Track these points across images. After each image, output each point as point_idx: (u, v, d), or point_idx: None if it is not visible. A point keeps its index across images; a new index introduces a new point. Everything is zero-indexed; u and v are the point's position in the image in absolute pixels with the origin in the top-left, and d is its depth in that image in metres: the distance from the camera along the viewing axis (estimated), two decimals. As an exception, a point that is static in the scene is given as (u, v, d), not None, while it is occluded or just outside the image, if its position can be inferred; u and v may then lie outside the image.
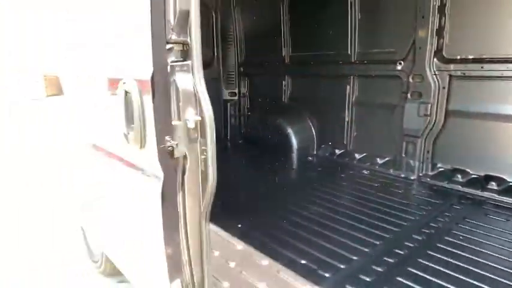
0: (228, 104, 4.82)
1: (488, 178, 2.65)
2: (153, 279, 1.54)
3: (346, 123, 3.58)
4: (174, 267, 1.41)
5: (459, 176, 2.80)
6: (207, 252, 1.45)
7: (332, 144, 3.76)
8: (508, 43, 2.46)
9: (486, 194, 2.63)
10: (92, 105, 1.90)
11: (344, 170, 3.44)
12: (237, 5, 4.34)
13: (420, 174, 3.03)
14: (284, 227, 2.25)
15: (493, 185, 2.62)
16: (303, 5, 3.79)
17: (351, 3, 3.28)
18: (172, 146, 1.28)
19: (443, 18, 2.72)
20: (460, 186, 2.78)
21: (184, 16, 1.25)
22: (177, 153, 1.30)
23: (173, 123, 1.29)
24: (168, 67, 1.27)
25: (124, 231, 1.83)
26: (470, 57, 2.64)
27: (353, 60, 3.40)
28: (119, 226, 1.89)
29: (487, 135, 2.67)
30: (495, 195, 2.59)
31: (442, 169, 2.92)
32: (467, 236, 2.09)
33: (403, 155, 3.12)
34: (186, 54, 1.31)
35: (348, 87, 3.49)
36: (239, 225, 2.22)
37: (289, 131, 4.01)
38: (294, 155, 3.94)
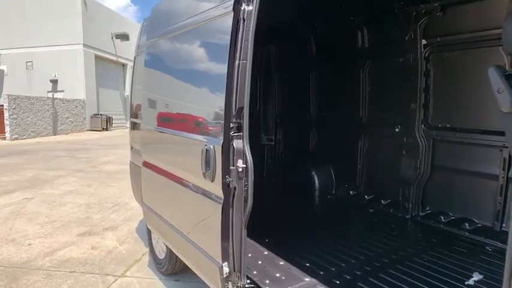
0: (266, 148, 5.85)
1: (463, 220, 3.39)
2: (211, 261, 2.48)
3: (358, 170, 4.46)
4: (225, 254, 2.35)
5: (442, 217, 3.55)
6: (244, 248, 2.38)
7: (347, 186, 4.63)
8: (471, 118, 3.30)
9: (459, 231, 3.36)
10: (179, 151, 2.98)
11: (355, 207, 4.30)
12: (276, 73, 5.50)
13: (413, 214, 3.80)
14: (296, 243, 3.16)
15: (466, 225, 3.35)
16: (326, 76, 4.85)
17: (362, 78, 4.28)
18: (229, 181, 2.26)
19: (428, 96, 3.63)
20: (441, 225, 3.52)
21: (240, 109, 2.29)
22: (231, 186, 2.27)
23: (231, 168, 2.28)
24: (230, 136, 2.30)
25: (193, 232, 2.78)
26: (448, 126, 3.50)
27: (363, 122, 4.34)
28: (190, 228, 2.84)
29: (463, 186, 3.45)
30: (466, 233, 3.31)
31: (429, 211, 3.69)
32: (430, 258, 2.87)
33: (400, 198, 3.93)
34: (239, 128, 2.33)
35: (360, 141, 4.41)
36: (266, 240, 3.14)
37: (313, 173, 4.94)
38: (316, 194, 4.84)
